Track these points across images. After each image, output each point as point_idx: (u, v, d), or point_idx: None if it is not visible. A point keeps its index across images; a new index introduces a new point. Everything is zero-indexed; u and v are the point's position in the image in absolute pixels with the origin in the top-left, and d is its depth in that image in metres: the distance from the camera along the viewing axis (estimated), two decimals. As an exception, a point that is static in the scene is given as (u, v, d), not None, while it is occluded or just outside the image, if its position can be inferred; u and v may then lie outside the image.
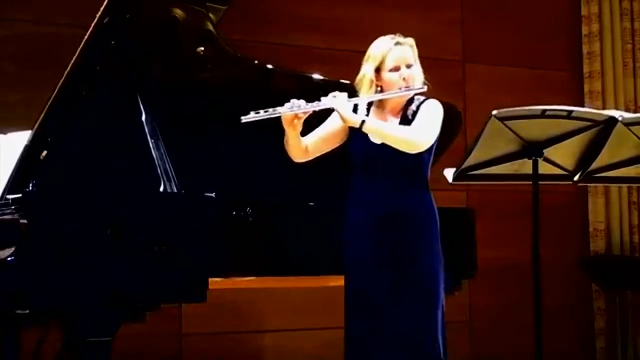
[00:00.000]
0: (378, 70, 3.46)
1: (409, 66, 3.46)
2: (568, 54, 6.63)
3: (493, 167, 3.57)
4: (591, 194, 6.53)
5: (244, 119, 3.39)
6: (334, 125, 3.53)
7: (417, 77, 3.47)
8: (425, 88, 3.43)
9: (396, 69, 3.44)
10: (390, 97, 3.47)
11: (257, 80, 4.25)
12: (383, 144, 3.42)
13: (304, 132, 3.49)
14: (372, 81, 3.46)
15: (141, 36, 3.90)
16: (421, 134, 3.40)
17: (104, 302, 3.35)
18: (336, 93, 3.40)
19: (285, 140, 3.47)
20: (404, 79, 3.44)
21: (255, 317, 5.61)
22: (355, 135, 3.48)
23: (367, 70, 3.47)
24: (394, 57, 3.45)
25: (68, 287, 3.31)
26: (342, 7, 5.94)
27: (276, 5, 5.76)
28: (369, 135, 3.44)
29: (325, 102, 3.39)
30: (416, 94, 3.48)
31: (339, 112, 3.38)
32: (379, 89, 3.46)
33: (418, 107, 3.48)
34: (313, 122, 3.51)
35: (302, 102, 3.38)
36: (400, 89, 3.44)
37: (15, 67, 5.09)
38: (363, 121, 3.36)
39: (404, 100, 3.50)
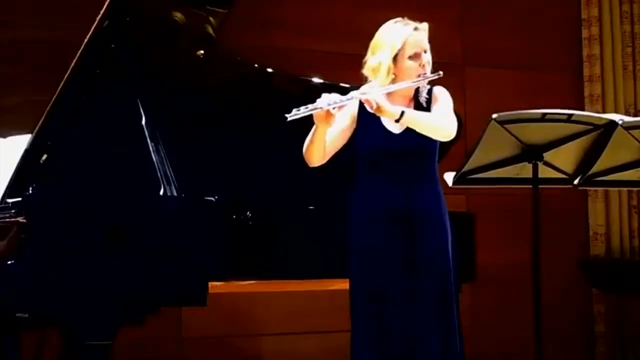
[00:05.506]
0: (394, 57, 3.34)
1: (425, 52, 3.39)
2: (568, 57, 6.62)
3: (493, 170, 3.56)
4: (591, 198, 6.51)
5: (289, 117, 3.16)
6: (345, 120, 3.41)
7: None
8: (442, 74, 3.34)
9: (416, 56, 3.36)
10: (411, 86, 3.37)
11: (257, 83, 4.25)
12: (403, 135, 3.35)
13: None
14: (390, 69, 3.32)
15: (141, 39, 3.91)
16: (452, 119, 3.36)
17: (104, 305, 3.35)
18: (367, 87, 3.31)
19: (309, 142, 3.34)
20: (423, 66, 3.36)
21: (255, 321, 5.60)
22: (367, 128, 3.39)
23: (384, 58, 3.34)
24: (414, 43, 3.36)
25: (68, 290, 3.31)
26: (340, 10, 5.92)
27: (275, 10, 5.75)
28: (386, 124, 3.36)
29: (362, 95, 3.23)
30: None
31: (379, 105, 3.19)
32: (393, 76, 3.34)
33: (429, 94, 3.43)
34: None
35: (336, 96, 3.23)
36: (419, 76, 3.35)
37: (16, 70, 5.08)
38: (403, 112, 3.22)
39: (413, 88, 3.43)
